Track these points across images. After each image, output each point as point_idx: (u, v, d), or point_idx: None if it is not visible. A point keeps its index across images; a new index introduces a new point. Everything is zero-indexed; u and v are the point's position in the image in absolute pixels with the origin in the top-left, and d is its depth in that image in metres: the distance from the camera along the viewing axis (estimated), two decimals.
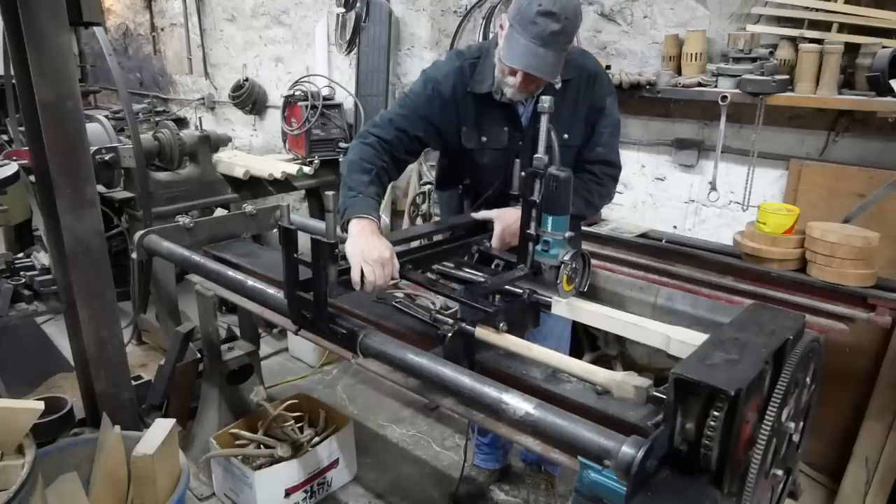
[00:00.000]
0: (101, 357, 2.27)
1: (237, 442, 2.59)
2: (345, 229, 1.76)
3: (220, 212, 3.88)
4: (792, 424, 1.20)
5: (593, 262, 1.73)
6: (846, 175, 2.70)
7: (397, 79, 4.41)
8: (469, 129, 2.04)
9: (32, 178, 2.29)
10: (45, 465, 1.91)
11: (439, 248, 1.96)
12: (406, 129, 2.00)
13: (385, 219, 4.41)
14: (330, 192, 1.58)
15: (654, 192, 3.37)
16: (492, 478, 2.77)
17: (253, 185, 3.96)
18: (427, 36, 4.19)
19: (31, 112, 2.01)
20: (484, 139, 2.05)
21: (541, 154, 1.67)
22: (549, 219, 1.64)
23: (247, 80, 5.27)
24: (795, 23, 2.70)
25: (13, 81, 2.26)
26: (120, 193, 3.51)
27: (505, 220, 1.96)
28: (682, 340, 1.41)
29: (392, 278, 1.67)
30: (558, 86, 1.97)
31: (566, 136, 2.02)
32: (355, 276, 1.63)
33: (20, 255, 2.78)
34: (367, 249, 1.65)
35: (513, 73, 1.86)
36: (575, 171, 2.03)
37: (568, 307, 1.65)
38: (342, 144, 4.30)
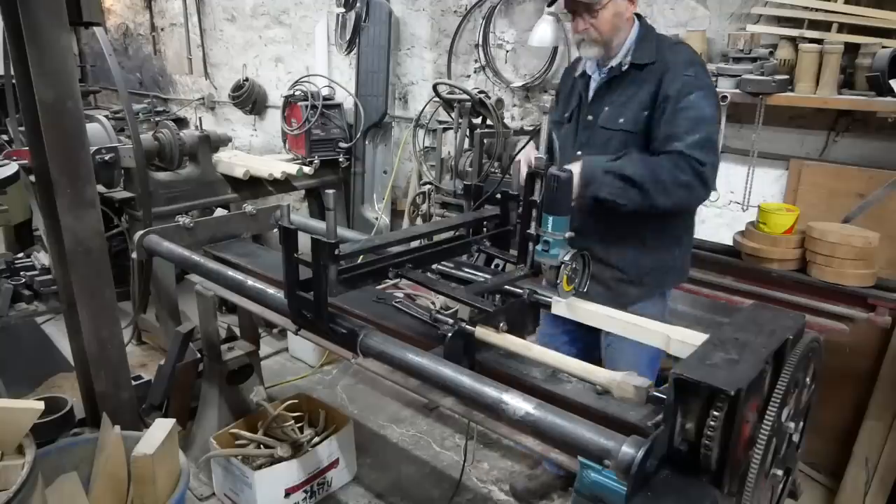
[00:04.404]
0: (101, 357, 2.27)
1: (237, 442, 2.58)
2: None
3: (220, 212, 3.87)
4: (792, 424, 1.20)
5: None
6: (846, 175, 2.70)
7: (397, 79, 4.40)
8: (561, 102, 2.29)
9: (32, 178, 2.29)
10: (45, 465, 1.91)
11: (439, 247, 1.96)
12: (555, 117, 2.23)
13: (385, 218, 4.41)
14: (330, 191, 1.58)
15: None
16: (557, 482, 2.72)
17: (253, 185, 3.96)
18: (427, 36, 4.19)
19: (31, 112, 2.01)
20: (566, 115, 2.23)
21: (541, 154, 1.68)
22: (550, 219, 1.63)
23: (247, 80, 5.27)
24: (795, 23, 2.70)
25: (13, 81, 2.26)
26: (120, 193, 3.51)
27: (526, 153, 2.02)
28: (682, 340, 1.41)
29: None
30: (625, 68, 2.04)
31: (621, 120, 2.05)
32: None
33: (20, 255, 2.78)
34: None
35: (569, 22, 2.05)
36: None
37: (568, 307, 1.65)
38: (342, 144, 4.31)
